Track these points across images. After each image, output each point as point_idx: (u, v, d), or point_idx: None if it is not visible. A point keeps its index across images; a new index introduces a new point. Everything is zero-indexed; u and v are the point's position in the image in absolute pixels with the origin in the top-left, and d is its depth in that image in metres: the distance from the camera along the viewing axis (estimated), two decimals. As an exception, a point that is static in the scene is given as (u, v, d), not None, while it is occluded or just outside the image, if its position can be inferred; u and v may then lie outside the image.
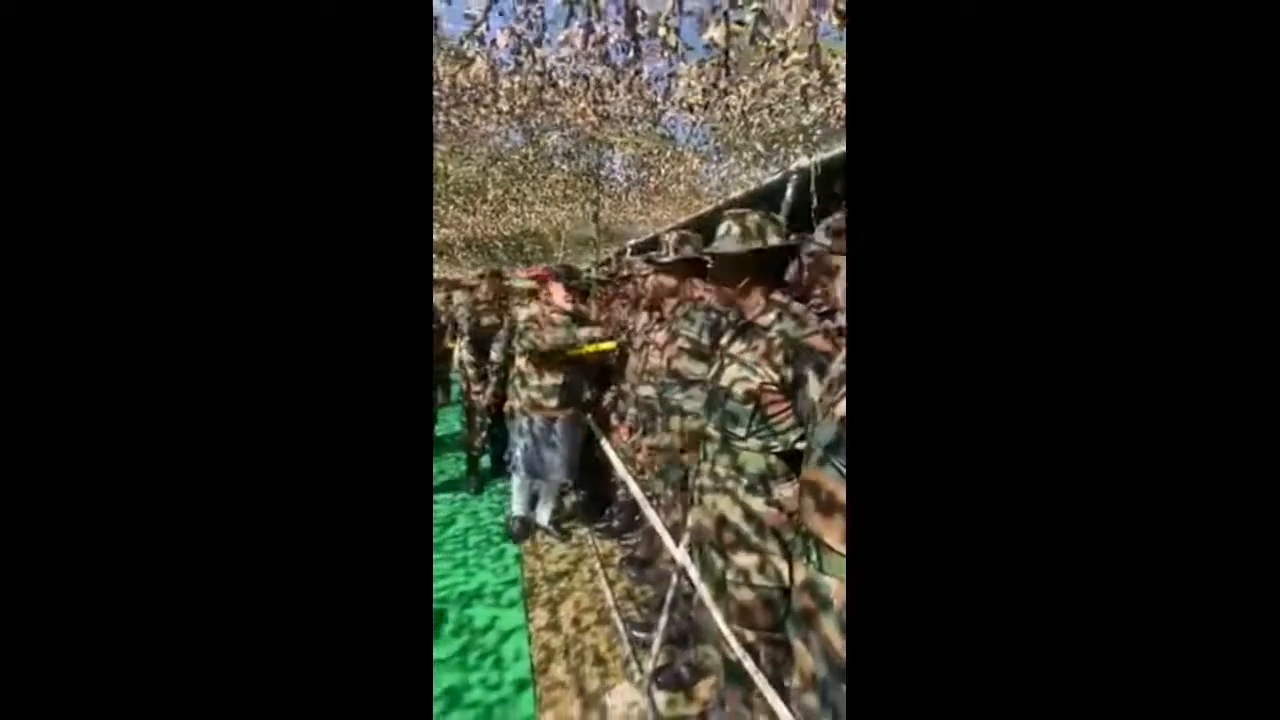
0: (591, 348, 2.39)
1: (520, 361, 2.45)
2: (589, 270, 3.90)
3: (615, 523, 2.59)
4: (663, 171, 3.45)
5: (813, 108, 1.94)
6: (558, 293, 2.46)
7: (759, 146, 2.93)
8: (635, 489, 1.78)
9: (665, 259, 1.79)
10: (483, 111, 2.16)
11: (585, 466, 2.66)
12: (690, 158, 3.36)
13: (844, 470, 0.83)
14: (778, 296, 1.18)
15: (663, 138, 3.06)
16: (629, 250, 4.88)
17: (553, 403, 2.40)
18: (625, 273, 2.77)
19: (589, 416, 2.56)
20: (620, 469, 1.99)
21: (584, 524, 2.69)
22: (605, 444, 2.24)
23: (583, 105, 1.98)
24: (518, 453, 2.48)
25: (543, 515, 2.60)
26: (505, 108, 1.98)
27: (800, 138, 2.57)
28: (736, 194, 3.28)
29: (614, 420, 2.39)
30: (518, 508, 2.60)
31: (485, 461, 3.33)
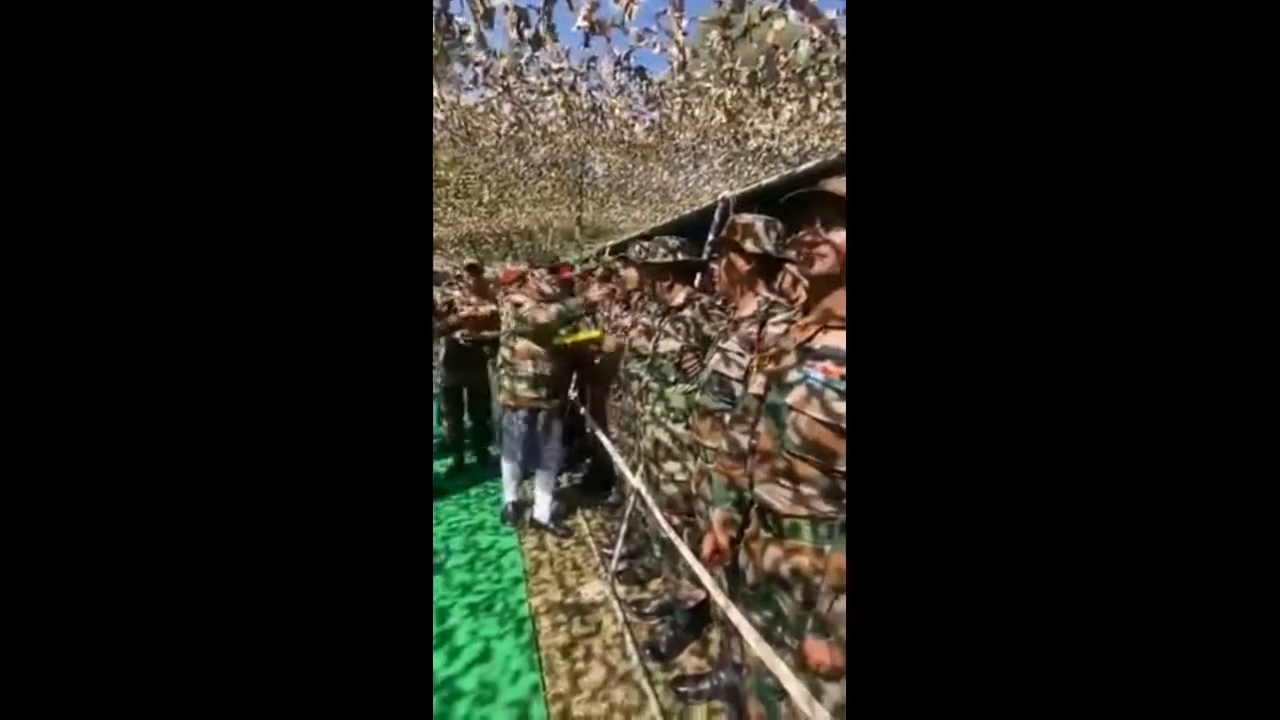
0: (582, 336, 2.51)
1: (506, 352, 2.45)
2: (575, 265, 4.42)
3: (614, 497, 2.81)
4: (638, 181, 3.96)
5: (750, 143, 2.49)
6: (537, 280, 2.50)
7: (716, 165, 3.47)
8: (610, 447, 2.31)
9: (634, 259, 2.34)
10: (483, 132, 2.67)
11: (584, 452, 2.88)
12: (660, 170, 3.87)
13: (716, 398, 1.38)
14: (693, 292, 1.74)
15: (630, 148, 3.53)
16: (607, 250, 5.44)
17: (539, 393, 2.43)
18: (603, 270, 3.32)
19: (582, 408, 2.69)
20: (609, 446, 2.31)
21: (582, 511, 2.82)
22: (598, 432, 2.43)
23: (568, 138, 2.50)
24: (507, 442, 2.54)
25: (542, 512, 2.62)
26: (503, 133, 2.49)
27: (749, 158, 3.13)
28: (704, 201, 3.84)
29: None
30: (509, 494, 2.68)
31: (469, 458, 3.54)
